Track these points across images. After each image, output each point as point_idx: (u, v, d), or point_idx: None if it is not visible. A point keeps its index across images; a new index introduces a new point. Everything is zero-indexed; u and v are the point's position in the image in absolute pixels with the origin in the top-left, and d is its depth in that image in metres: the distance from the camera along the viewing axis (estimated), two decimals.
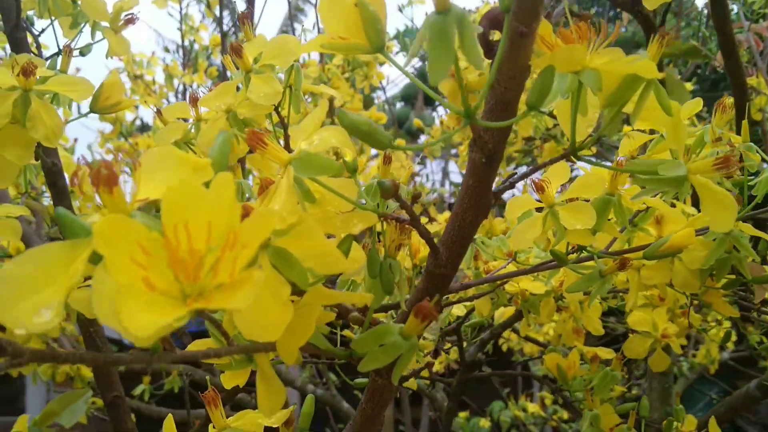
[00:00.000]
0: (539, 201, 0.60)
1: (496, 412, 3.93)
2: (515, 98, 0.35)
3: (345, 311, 0.40)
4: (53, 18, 0.73)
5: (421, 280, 0.41)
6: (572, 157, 0.38)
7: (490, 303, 0.89)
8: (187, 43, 2.01)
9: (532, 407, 2.99)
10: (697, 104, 0.66)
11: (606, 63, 0.34)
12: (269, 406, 0.35)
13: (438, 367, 3.20)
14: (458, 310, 0.97)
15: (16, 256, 0.74)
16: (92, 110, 0.62)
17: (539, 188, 0.57)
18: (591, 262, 0.62)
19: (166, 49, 2.00)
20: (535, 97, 0.32)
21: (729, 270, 0.66)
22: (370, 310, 0.39)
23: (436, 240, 0.40)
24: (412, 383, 0.87)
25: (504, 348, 2.59)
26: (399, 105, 8.61)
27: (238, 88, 0.64)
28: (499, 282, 0.71)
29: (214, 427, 0.48)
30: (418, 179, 2.78)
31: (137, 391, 1.63)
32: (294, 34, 2.50)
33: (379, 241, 0.40)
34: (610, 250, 0.67)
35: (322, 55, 2.02)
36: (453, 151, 3.32)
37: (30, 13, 0.75)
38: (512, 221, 0.62)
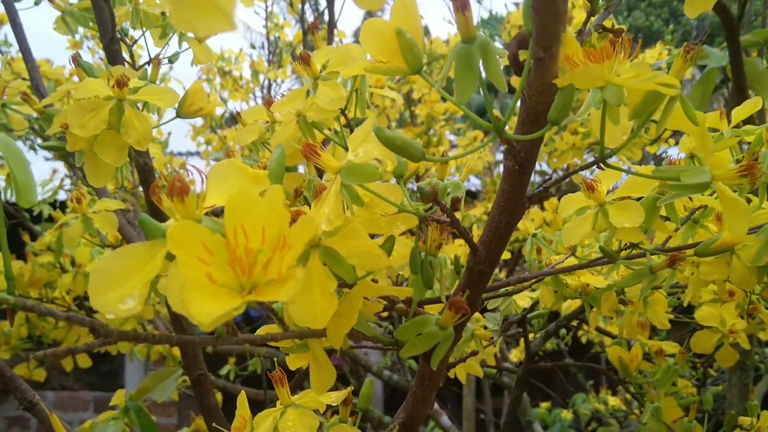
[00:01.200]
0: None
1: (578, 405, 3.90)
2: (545, 110, 0.38)
3: (393, 303, 0.45)
4: (144, 29, 0.80)
5: (462, 276, 0.44)
6: (601, 164, 0.40)
7: (553, 295, 0.91)
8: (272, 39, 2.09)
9: (613, 401, 2.96)
10: (756, 103, 0.66)
11: (628, 79, 0.37)
12: (320, 386, 0.40)
13: (518, 356, 3.23)
14: (524, 301, 1.00)
15: (113, 244, 0.83)
16: (178, 115, 0.68)
17: (590, 188, 0.60)
18: (643, 259, 0.64)
19: (252, 46, 2.09)
20: (555, 114, 0.35)
21: None
22: (414, 303, 0.43)
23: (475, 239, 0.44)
24: (477, 370, 0.91)
25: (583, 340, 2.57)
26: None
27: (308, 94, 0.69)
28: (543, 276, 0.74)
29: (281, 404, 0.53)
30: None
31: (224, 371, 1.73)
32: None
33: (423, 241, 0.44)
34: (666, 246, 0.68)
35: None
36: None
37: (125, 24, 0.82)
38: (565, 218, 0.64)
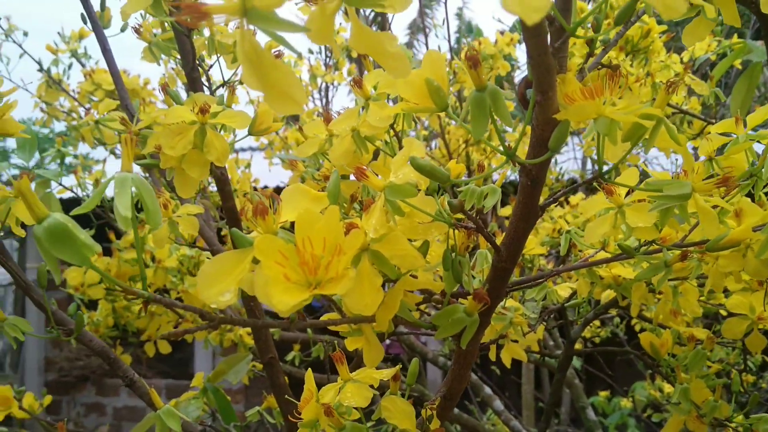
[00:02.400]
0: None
1: (638, 393, 3.92)
2: (549, 137, 0.47)
3: (430, 295, 0.54)
4: (218, 55, 0.92)
5: (489, 272, 0.54)
6: (599, 181, 0.49)
7: (588, 285, 0.99)
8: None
9: (669, 387, 2.98)
10: (765, 113, 0.73)
11: (616, 111, 0.45)
12: (371, 361, 0.50)
13: (578, 346, 3.25)
14: (564, 291, 1.08)
15: (190, 242, 0.95)
16: (249, 133, 0.79)
17: (609, 192, 0.68)
18: (659, 254, 0.72)
19: (310, 51, 2.21)
20: (554, 143, 0.44)
21: None
22: (447, 295, 0.52)
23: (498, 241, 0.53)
24: (520, 355, 0.99)
25: (637, 328, 2.61)
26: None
27: (360, 112, 0.79)
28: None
29: (341, 380, 0.63)
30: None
31: (289, 356, 1.87)
32: (424, 27, 2.63)
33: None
34: (687, 241, 0.76)
35: (450, 50, 2.14)
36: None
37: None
38: (586, 216, 0.72)
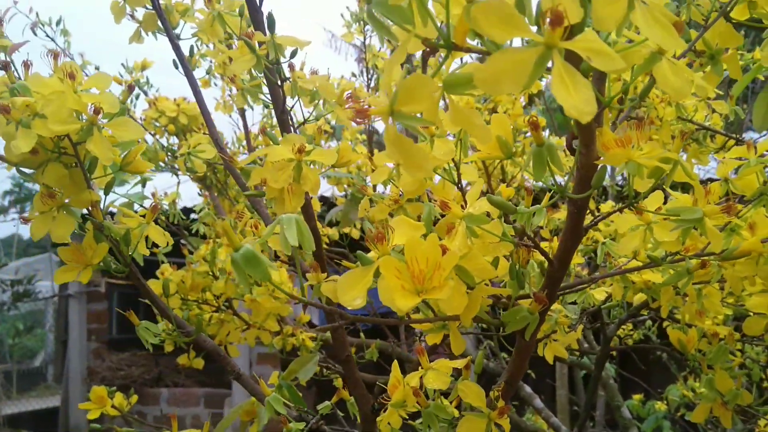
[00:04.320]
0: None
1: (671, 394, 3.99)
2: (591, 176, 0.61)
3: (499, 299, 0.69)
4: (298, 96, 1.08)
5: (544, 280, 0.68)
6: (633, 206, 0.63)
7: (622, 290, 1.13)
8: (370, 67, 2.36)
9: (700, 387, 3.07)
10: None
11: (642, 156, 0.60)
12: (457, 349, 0.65)
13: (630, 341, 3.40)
14: (600, 295, 1.22)
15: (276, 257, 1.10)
16: (333, 167, 0.95)
17: (639, 212, 0.82)
18: (682, 263, 0.86)
19: (353, 75, 2.37)
20: (596, 182, 0.59)
21: None
22: (513, 298, 0.67)
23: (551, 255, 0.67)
24: (562, 352, 1.13)
25: (668, 331, 2.73)
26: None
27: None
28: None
29: (422, 368, 0.78)
30: None
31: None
32: None
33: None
34: (706, 251, 0.89)
35: None
36: None
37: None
38: (620, 232, 0.86)
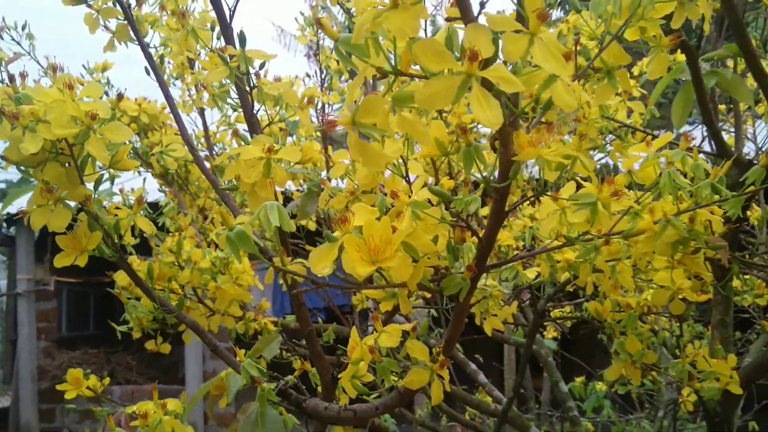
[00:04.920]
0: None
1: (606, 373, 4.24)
2: (509, 170, 0.77)
3: (438, 270, 0.85)
4: (263, 101, 1.21)
5: (475, 255, 0.84)
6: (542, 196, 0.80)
7: (549, 268, 1.30)
8: (324, 67, 2.50)
9: None
10: (668, 137, 1.04)
11: (548, 154, 0.76)
12: (405, 310, 0.80)
13: (552, 333, 3.59)
14: (531, 273, 1.39)
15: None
16: (298, 163, 1.09)
17: (555, 198, 0.98)
18: (593, 242, 1.03)
19: (308, 75, 2.50)
20: (512, 175, 0.75)
21: (691, 242, 1.04)
22: (450, 269, 0.83)
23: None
24: (498, 325, 1.29)
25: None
26: None
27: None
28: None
29: (376, 332, 0.93)
30: None
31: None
32: None
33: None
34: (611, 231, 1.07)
35: None
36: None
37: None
38: (541, 217, 1.03)
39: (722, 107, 2.74)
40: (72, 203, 1.01)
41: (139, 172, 2.34)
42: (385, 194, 0.88)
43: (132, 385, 8.24)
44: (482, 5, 0.60)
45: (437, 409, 2.58)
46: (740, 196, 1.00)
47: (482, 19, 0.62)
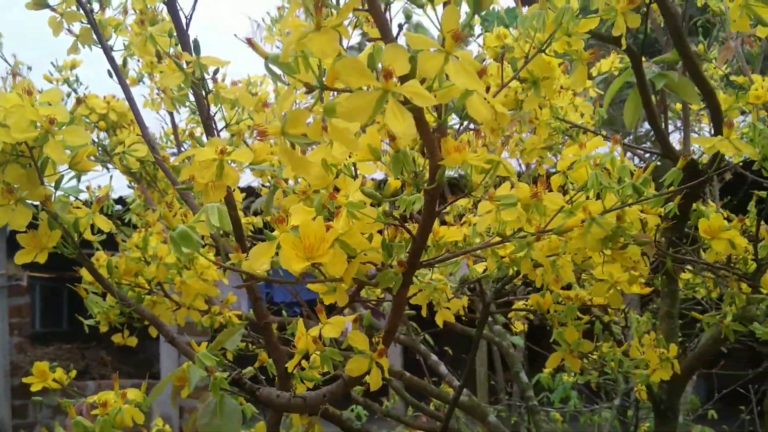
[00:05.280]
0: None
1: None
2: (437, 173, 0.84)
3: (375, 264, 0.91)
4: (221, 104, 1.27)
5: (408, 251, 0.91)
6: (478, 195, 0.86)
7: (494, 263, 1.38)
8: None
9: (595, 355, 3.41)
10: (599, 142, 1.12)
11: (472, 159, 0.83)
12: (342, 303, 0.87)
13: (521, 327, 3.68)
14: (480, 268, 1.46)
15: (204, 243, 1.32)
16: (251, 164, 1.15)
17: (490, 198, 1.05)
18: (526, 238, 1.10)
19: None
20: (439, 178, 0.81)
21: (618, 239, 1.12)
22: (385, 264, 0.89)
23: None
24: (449, 316, 1.35)
25: None
26: None
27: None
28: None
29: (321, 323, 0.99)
30: None
31: None
32: None
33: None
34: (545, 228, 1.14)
35: None
36: None
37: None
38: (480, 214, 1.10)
39: (679, 106, 2.83)
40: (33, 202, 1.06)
41: (107, 169, 2.38)
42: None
43: (107, 380, 8.23)
44: (400, 27, 0.66)
45: (404, 400, 2.65)
46: (660, 196, 1.07)
47: (403, 39, 0.69)
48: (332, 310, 2.69)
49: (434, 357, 2.31)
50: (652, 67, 2.00)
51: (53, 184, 1.09)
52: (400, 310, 0.97)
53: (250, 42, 0.66)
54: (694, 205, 1.47)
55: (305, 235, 0.77)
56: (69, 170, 1.13)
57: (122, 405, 1.17)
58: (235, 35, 1.06)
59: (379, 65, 0.67)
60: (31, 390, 1.62)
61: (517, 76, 0.92)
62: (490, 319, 2.71)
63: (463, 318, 2.00)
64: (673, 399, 1.92)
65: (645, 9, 1.64)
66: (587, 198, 1.13)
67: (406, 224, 0.90)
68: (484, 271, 1.44)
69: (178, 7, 1.11)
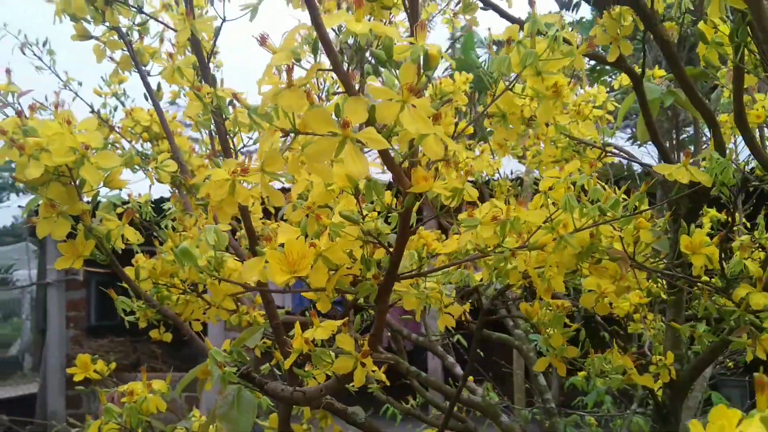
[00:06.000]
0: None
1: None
2: (406, 200, 0.96)
3: (356, 278, 1.04)
4: (239, 129, 1.42)
5: (387, 267, 1.03)
6: (443, 218, 0.99)
7: (490, 274, 1.49)
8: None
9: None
10: (575, 164, 1.23)
11: (439, 186, 0.95)
12: (325, 308, 1.00)
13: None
14: (478, 277, 1.58)
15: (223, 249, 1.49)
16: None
17: (470, 215, 1.17)
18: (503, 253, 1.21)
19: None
20: (408, 203, 0.94)
21: (592, 253, 1.22)
22: (363, 276, 1.02)
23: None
24: (450, 321, 1.48)
25: None
26: None
27: None
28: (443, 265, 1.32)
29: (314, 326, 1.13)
30: None
31: None
32: None
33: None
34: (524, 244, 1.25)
35: None
36: None
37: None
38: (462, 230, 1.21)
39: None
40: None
41: (150, 177, 2.57)
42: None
43: (157, 372, 8.56)
44: (363, 77, 0.79)
45: (426, 400, 2.77)
46: (629, 216, 1.18)
47: (368, 89, 0.82)
48: (359, 310, 2.78)
49: (451, 359, 2.42)
50: (661, 86, 2.09)
51: (90, 199, 1.25)
52: (382, 317, 1.09)
53: (235, 96, 0.80)
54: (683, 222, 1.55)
55: (289, 252, 0.91)
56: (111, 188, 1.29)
57: (147, 394, 1.33)
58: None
59: None
60: (74, 380, 1.78)
61: (486, 110, 1.04)
62: (511, 323, 2.81)
63: (465, 323, 2.12)
64: (675, 404, 1.99)
65: (642, 34, 1.73)
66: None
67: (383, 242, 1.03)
68: (481, 280, 1.56)
69: (201, 46, 1.27)
